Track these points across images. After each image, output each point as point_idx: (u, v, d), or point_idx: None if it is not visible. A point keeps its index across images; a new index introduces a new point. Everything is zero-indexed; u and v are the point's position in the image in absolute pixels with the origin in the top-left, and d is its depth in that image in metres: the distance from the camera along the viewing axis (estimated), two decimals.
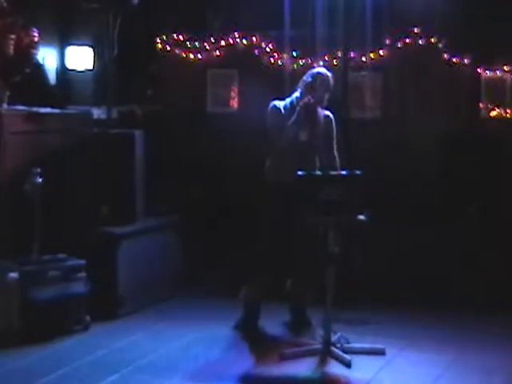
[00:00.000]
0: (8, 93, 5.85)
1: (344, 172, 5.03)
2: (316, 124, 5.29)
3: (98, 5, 6.54)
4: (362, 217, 4.86)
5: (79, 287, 5.42)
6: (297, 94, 5.34)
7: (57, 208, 5.62)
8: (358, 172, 4.86)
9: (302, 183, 4.83)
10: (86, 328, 5.42)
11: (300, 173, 4.80)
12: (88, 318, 5.44)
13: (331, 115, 5.38)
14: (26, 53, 5.94)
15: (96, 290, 5.44)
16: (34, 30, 5.95)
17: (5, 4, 5.79)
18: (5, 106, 5.80)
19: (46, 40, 6.43)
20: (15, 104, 5.93)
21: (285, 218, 5.12)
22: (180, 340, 5.29)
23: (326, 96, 5.29)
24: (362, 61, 6.81)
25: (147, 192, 6.22)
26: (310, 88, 5.25)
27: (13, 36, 5.82)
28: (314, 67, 5.91)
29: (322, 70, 5.44)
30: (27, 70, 6.02)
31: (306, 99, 5.19)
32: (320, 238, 5.10)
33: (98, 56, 7.17)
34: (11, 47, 5.80)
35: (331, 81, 5.32)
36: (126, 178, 6.05)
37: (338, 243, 4.90)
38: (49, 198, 5.41)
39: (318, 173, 5.15)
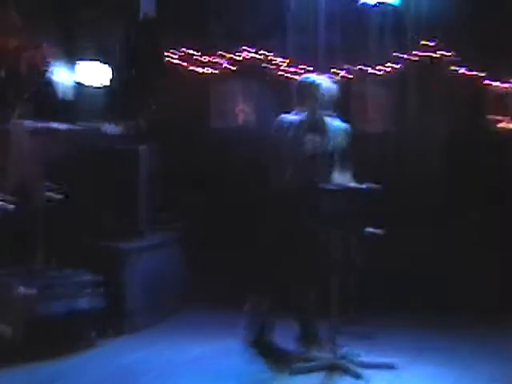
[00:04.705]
0: (19, 109, 5.90)
1: (362, 186, 4.97)
2: (323, 135, 5.27)
3: (105, 19, 6.59)
4: (371, 229, 4.85)
5: (86, 303, 5.40)
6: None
7: (65, 223, 5.62)
8: (374, 186, 4.85)
9: (315, 195, 4.82)
10: (92, 343, 5.40)
11: (319, 185, 4.79)
12: (95, 333, 5.42)
13: (348, 127, 5.32)
14: (37, 70, 6.00)
15: (103, 306, 5.42)
16: (47, 47, 6.00)
17: (19, 23, 5.85)
18: (16, 121, 5.84)
19: (55, 55, 6.46)
20: (25, 119, 5.96)
21: (292, 229, 5.11)
22: (188, 354, 5.27)
23: (310, 101, 5.21)
24: (368, 73, 6.82)
25: (153, 205, 6.22)
26: (296, 98, 5.30)
27: (26, 54, 5.87)
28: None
29: (303, 76, 5.44)
30: (35, 88, 6.06)
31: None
32: (327, 249, 5.10)
33: (107, 71, 7.20)
34: (25, 65, 5.85)
35: (307, 85, 5.25)
36: (132, 193, 6.06)
37: (345, 254, 4.89)
38: (57, 212, 5.42)
39: (337, 185, 5.06)
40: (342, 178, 5.10)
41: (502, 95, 6.67)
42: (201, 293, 6.47)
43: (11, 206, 5.20)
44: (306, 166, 5.16)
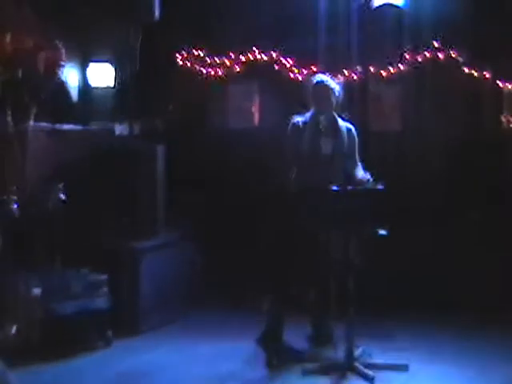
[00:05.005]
0: (34, 110, 5.93)
1: (378, 186, 4.97)
2: (338, 136, 5.29)
3: (115, 19, 6.61)
4: (383, 232, 4.86)
5: (101, 302, 5.43)
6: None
7: (79, 223, 5.65)
8: (380, 187, 4.86)
9: (328, 196, 4.83)
10: (107, 343, 5.42)
11: (334, 187, 4.81)
12: (110, 333, 5.44)
13: (353, 128, 5.38)
14: (52, 70, 6.03)
15: (118, 305, 5.44)
16: (61, 47, 6.04)
17: (35, 22, 5.89)
18: (31, 122, 5.88)
19: (67, 57, 6.50)
20: (39, 121, 5.99)
21: (304, 229, 5.12)
22: (202, 354, 5.29)
23: (328, 103, 5.25)
24: (382, 75, 6.83)
25: (168, 205, 6.24)
26: (310, 100, 5.29)
27: (42, 54, 5.91)
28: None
29: (317, 78, 5.43)
30: (51, 88, 6.10)
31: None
32: (339, 250, 5.10)
33: (119, 72, 7.23)
34: (41, 65, 5.89)
35: (324, 87, 5.28)
36: (147, 193, 6.08)
37: (359, 254, 4.90)
38: (71, 212, 5.45)
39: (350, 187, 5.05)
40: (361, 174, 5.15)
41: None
42: (210, 293, 6.48)
43: (16, 208, 5.23)
44: (323, 167, 5.17)
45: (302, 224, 5.04)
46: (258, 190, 6.64)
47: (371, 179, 5.08)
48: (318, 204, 4.89)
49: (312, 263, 5.21)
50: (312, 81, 5.43)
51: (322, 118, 5.25)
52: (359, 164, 5.33)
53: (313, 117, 5.31)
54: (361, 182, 5.10)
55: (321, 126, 5.24)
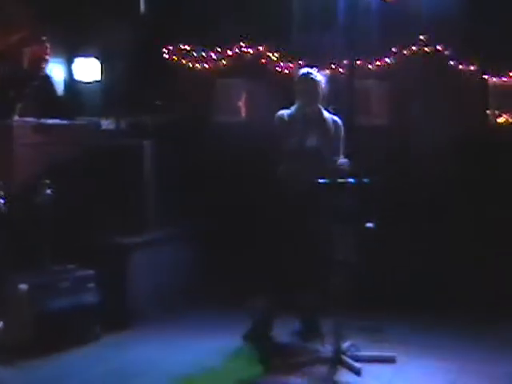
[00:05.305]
0: (20, 105, 5.92)
1: (354, 180, 4.99)
2: (324, 128, 5.30)
3: (103, 14, 6.60)
4: (370, 224, 4.87)
5: (89, 298, 5.42)
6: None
7: (66, 219, 5.63)
8: (366, 180, 4.87)
9: (316, 190, 4.84)
10: (96, 339, 5.40)
11: (320, 180, 4.81)
12: (98, 328, 5.43)
13: (339, 120, 5.39)
14: (37, 65, 6.03)
15: (107, 301, 5.43)
16: (46, 42, 6.03)
17: (21, 17, 5.88)
18: (16, 117, 5.86)
19: (53, 52, 6.48)
20: (24, 116, 5.97)
21: (294, 225, 5.12)
22: (192, 351, 5.26)
23: (314, 96, 5.26)
24: (369, 68, 6.84)
25: (159, 201, 6.23)
26: (296, 93, 5.29)
27: (27, 49, 5.90)
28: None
29: (303, 70, 5.43)
30: (36, 82, 6.10)
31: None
32: (330, 246, 5.11)
33: (105, 67, 7.21)
34: (26, 60, 5.89)
35: (309, 80, 5.28)
36: (135, 188, 6.07)
37: (350, 251, 4.91)
38: (58, 209, 5.43)
39: (336, 180, 4.98)
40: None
41: (502, 90, 6.68)
42: (208, 289, 6.45)
43: (2, 203, 5.21)
44: (310, 160, 5.17)
45: (301, 221, 5.05)
46: (255, 187, 6.60)
47: (348, 161, 5.08)
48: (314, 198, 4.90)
49: (312, 264, 5.19)
50: (298, 74, 5.44)
51: (307, 110, 5.26)
52: (337, 160, 5.32)
53: (298, 110, 5.31)
54: (338, 169, 5.08)
55: (307, 119, 5.25)
